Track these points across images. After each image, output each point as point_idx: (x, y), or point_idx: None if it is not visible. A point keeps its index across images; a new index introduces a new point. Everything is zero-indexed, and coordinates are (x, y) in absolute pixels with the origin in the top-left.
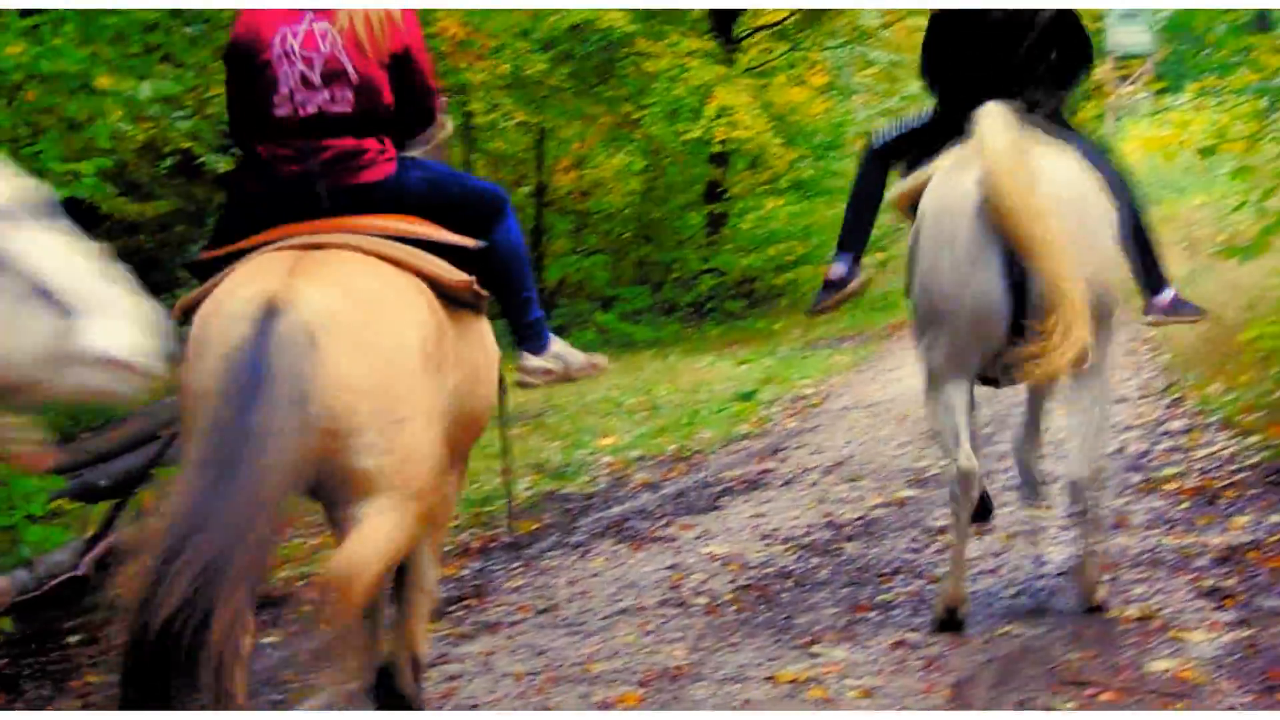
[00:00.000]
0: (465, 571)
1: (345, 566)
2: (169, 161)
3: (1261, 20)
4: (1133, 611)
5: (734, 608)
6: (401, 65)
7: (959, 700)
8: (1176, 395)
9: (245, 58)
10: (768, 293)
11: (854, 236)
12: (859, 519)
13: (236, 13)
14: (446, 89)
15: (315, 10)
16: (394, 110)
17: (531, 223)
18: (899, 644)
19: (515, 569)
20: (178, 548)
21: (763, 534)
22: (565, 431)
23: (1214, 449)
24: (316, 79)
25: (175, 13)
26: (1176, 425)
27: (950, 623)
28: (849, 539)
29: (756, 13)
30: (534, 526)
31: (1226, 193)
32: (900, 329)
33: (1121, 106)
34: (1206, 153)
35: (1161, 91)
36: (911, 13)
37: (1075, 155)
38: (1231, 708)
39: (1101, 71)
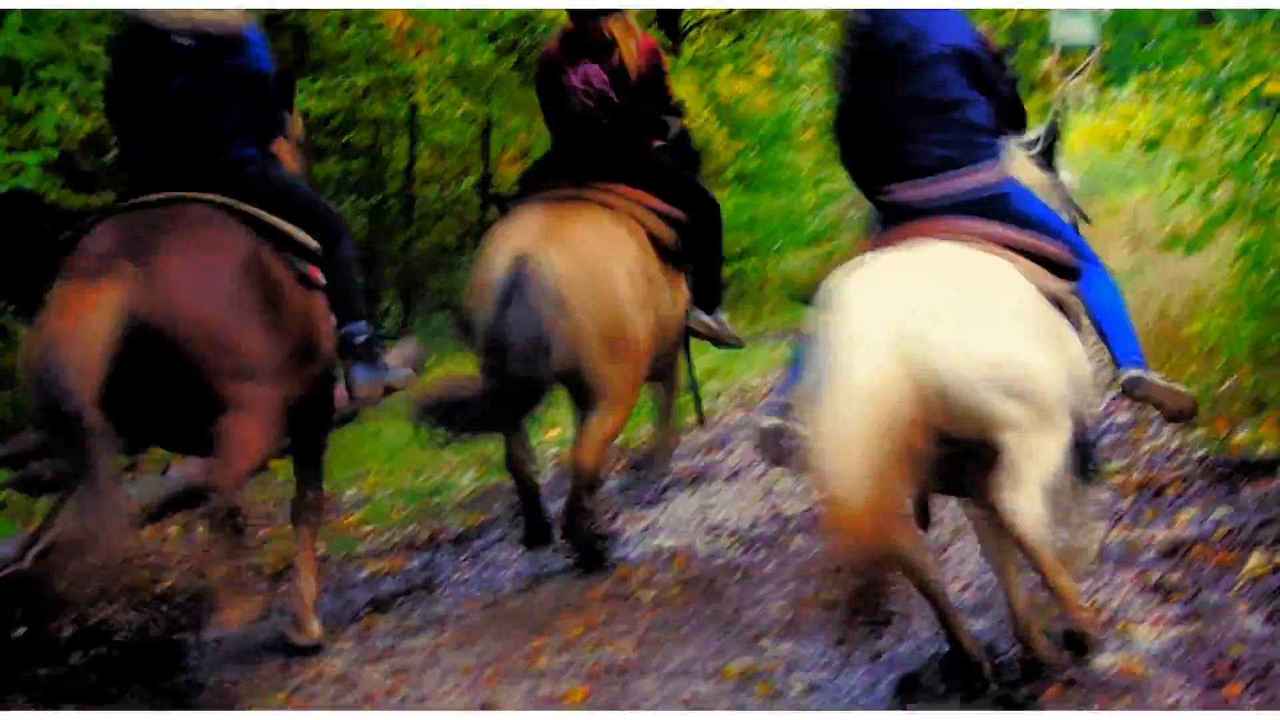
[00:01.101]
0: (412, 564)
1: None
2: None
3: (1206, 14)
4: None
5: (680, 601)
6: (650, 80)
7: (904, 695)
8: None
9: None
10: None
11: None
12: (806, 512)
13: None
14: (392, 80)
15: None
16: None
17: (477, 214)
18: (844, 638)
19: (463, 562)
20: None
21: (709, 527)
22: None
23: (1159, 442)
24: (595, 94)
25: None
26: (1122, 418)
27: None
28: (796, 532)
29: (702, 3)
30: (480, 519)
31: (1170, 185)
32: None
33: (1067, 99)
34: (1151, 145)
35: (1106, 84)
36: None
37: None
38: (1177, 703)
39: (1047, 64)
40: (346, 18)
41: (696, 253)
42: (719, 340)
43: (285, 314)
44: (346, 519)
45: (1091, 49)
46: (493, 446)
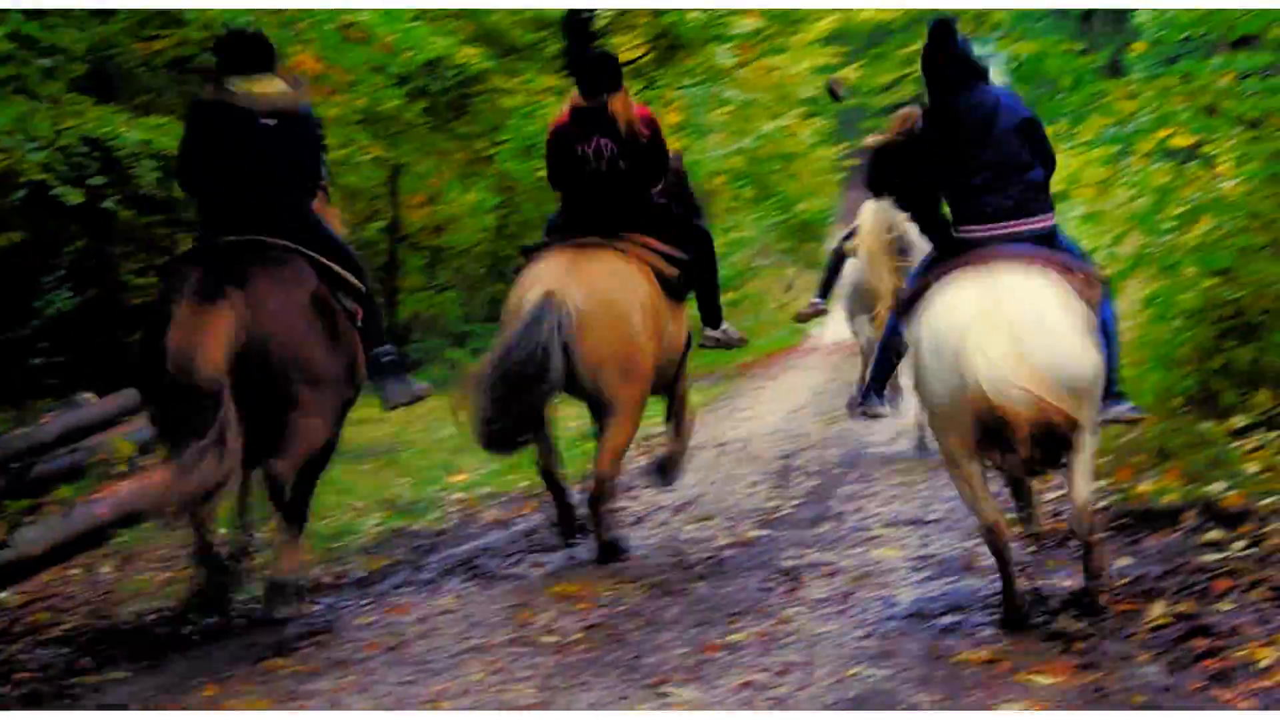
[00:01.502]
0: (315, 608)
1: (611, 447)
2: (21, 193)
3: (1114, 66)
4: (981, 654)
5: (583, 646)
6: (650, 146)
7: None
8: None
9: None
10: None
11: (824, 287)
12: (709, 558)
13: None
14: None
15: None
16: (650, 171)
17: (384, 258)
18: (747, 684)
19: (365, 606)
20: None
21: (612, 572)
22: (417, 468)
23: (1063, 492)
24: (603, 162)
25: (29, 44)
26: None
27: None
28: (699, 578)
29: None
30: (384, 563)
31: (1078, 237)
32: (750, 368)
33: None
34: (1058, 197)
35: None
36: (765, 53)
37: None
38: None
39: None
40: None
41: (697, 281)
42: (728, 345)
43: (340, 339)
44: (250, 562)
45: None
46: (395, 491)
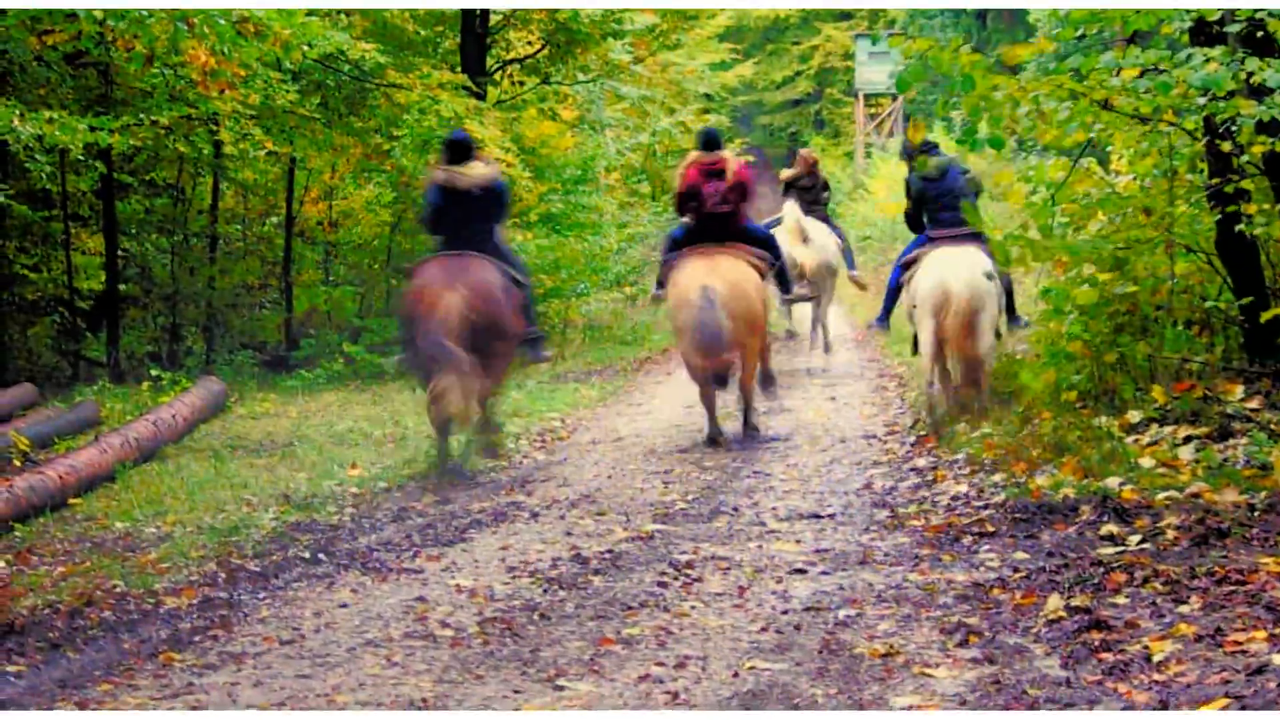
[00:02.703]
0: (211, 601)
1: (747, 373)
2: None
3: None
4: (877, 647)
5: (480, 640)
6: (743, 188)
7: None
8: (923, 433)
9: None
10: None
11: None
12: (605, 552)
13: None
14: (196, 118)
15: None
16: (744, 204)
17: (280, 253)
18: (644, 677)
19: (261, 599)
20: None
21: (509, 566)
22: (313, 462)
23: (960, 487)
24: (718, 198)
25: None
26: (922, 463)
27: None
28: (595, 572)
29: (508, 46)
30: (280, 557)
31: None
32: (647, 363)
33: (870, 144)
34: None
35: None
36: (662, 48)
37: (824, 224)
38: None
39: (852, 110)
40: (151, 55)
41: (775, 268)
42: (798, 300)
43: (514, 311)
44: (146, 556)
45: (895, 97)
46: (293, 485)
